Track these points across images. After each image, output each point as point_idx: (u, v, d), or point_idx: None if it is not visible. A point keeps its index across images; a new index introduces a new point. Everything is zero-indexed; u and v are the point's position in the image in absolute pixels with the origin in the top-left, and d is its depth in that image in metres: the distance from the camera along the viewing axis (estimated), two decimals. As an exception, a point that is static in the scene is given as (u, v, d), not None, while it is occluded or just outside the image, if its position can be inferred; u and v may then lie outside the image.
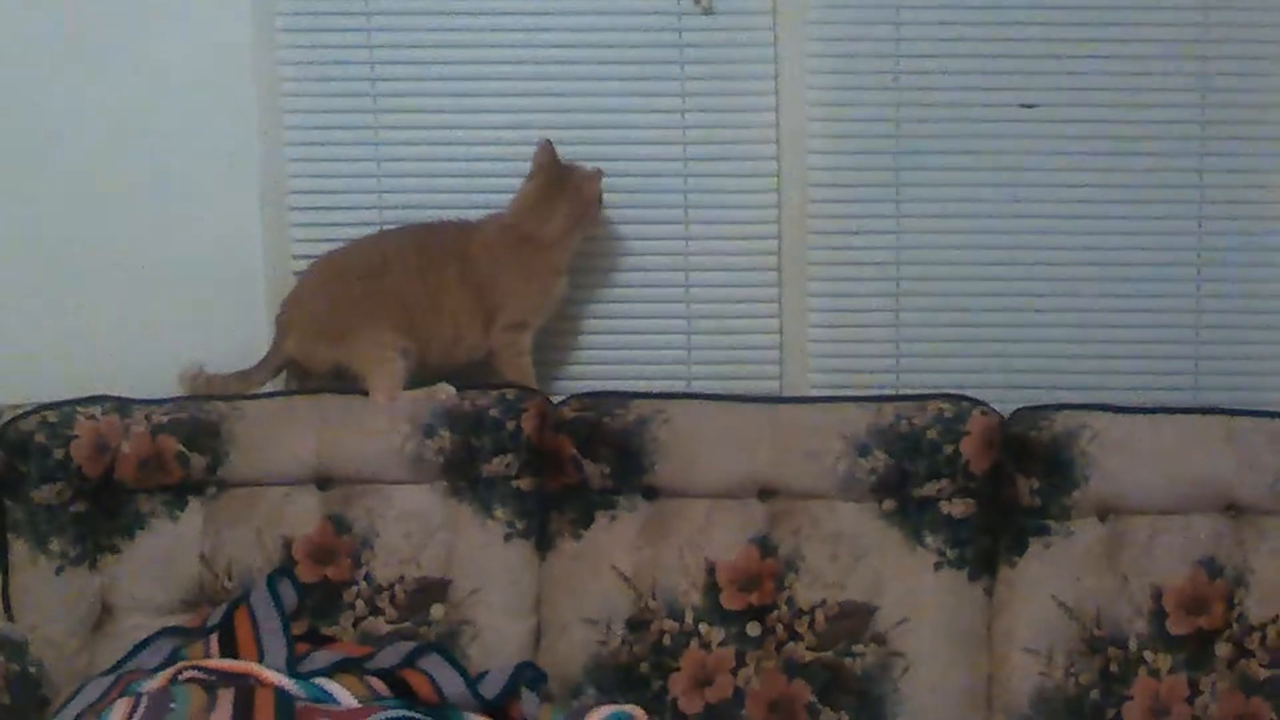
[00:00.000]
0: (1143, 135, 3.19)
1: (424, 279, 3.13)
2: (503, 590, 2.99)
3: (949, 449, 2.94)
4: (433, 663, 2.77)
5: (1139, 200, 3.21)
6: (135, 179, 3.26)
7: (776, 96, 3.22)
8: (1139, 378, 3.23)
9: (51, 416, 3.01)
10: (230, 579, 3.00)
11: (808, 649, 2.91)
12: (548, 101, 3.25)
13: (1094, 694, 2.84)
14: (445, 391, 3.06)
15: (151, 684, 2.64)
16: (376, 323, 3.10)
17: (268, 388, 3.18)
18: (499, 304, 3.16)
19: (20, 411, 3.02)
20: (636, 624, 2.95)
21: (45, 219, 3.26)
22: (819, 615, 2.92)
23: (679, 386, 3.28)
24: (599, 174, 3.16)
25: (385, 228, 3.26)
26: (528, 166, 3.17)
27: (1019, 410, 3.00)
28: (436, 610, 2.98)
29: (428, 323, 3.12)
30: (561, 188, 3.15)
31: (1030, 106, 3.19)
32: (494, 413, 3.03)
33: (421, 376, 3.09)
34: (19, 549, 2.98)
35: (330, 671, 2.72)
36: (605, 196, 3.21)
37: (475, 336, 3.16)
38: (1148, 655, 2.83)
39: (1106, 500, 2.89)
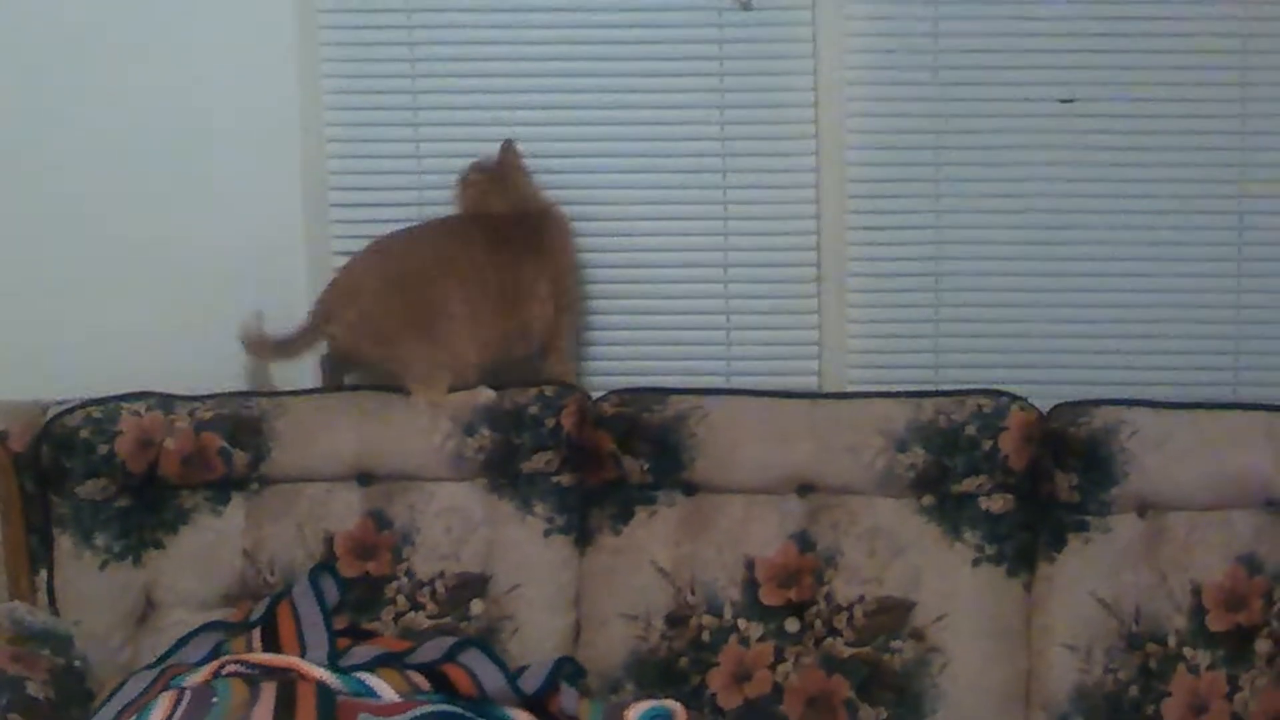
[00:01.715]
0: (1182, 130, 3.18)
1: (500, 278, 3.12)
2: (542, 585, 3.00)
3: (988, 445, 2.94)
4: (473, 657, 2.78)
5: (1179, 195, 3.20)
6: (176, 173, 3.27)
7: (815, 93, 3.22)
8: (1178, 374, 3.22)
9: (96, 412, 3.03)
10: (273, 574, 3.02)
11: (846, 644, 2.91)
12: (587, 98, 3.26)
13: (1133, 690, 2.84)
14: (485, 395, 3.06)
15: (195, 678, 2.66)
16: (433, 338, 3.07)
17: (307, 383, 3.21)
18: (568, 288, 3.20)
19: (65, 407, 3.04)
20: (675, 619, 2.96)
21: (86, 214, 3.28)
22: (857, 611, 2.92)
23: (718, 382, 3.27)
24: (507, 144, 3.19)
25: (447, 216, 3.22)
26: (569, 162, 3.25)
27: (1058, 406, 3.00)
28: (477, 605, 3.00)
29: (495, 325, 3.11)
30: (504, 174, 3.17)
31: (1069, 101, 3.18)
32: (533, 410, 3.04)
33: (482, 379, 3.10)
34: (64, 544, 3.00)
35: (371, 666, 2.73)
36: (645, 191, 3.30)
37: (548, 329, 3.17)
38: (1187, 652, 2.83)
39: (1146, 496, 2.89)
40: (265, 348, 3.16)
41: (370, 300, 3.11)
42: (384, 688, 2.66)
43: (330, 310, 3.14)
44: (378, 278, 3.14)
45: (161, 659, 2.85)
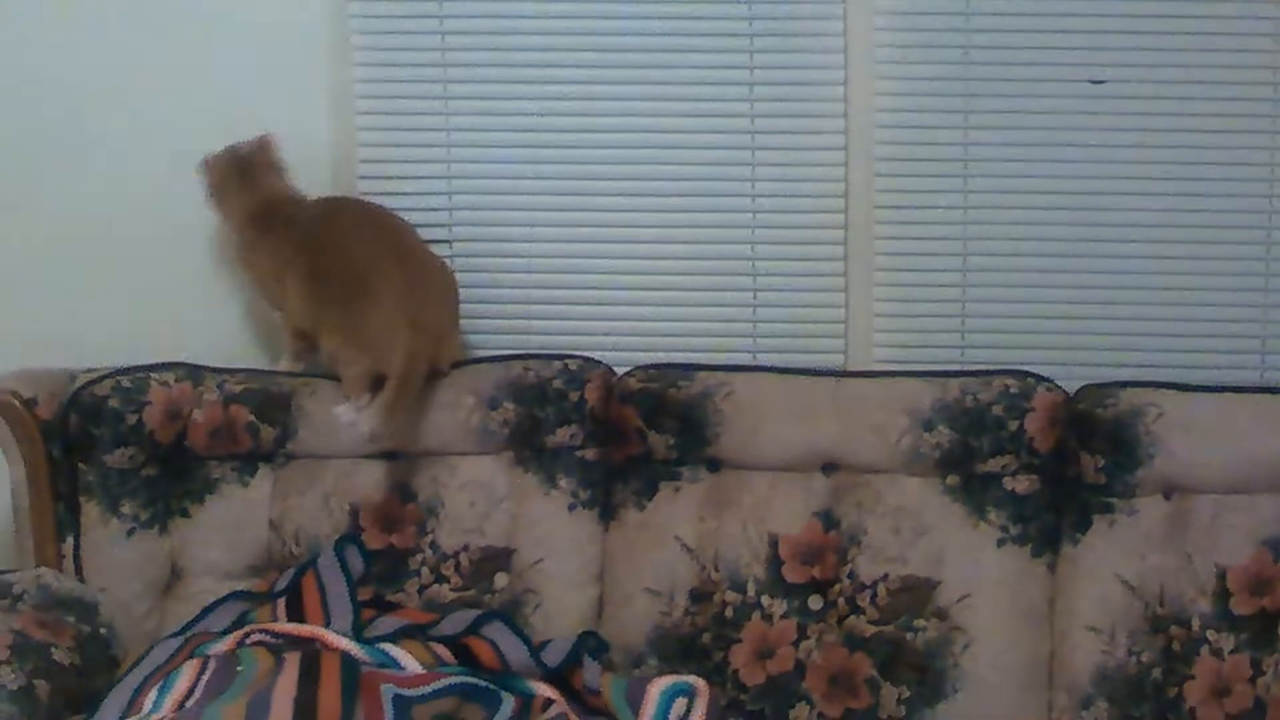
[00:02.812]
0: (1212, 112, 3.16)
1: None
2: (566, 560, 3.01)
3: (1013, 425, 2.93)
4: (496, 630, 2.79)
5: (1208, 178, 3.18)
6: (209, 150, 3.27)
7: (845, 71, 3.21)
8: (1205, 356, 3.21)
9: (125, 382, 3.04)
10: (298, 545, 3.03)
11: (869, 623, 2.92)
12: (616, 74, 3.24)
13: (1156, 673, 2.83)
14: None
15: (219, 646, 2.68)
16: (455, 309, 3.16)
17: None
18: None
19: (95, 376, 3.06)
20: (699, 595, 2.96)
21: (122, 188, 3.29)
22: (881, 589, 2.92)
23: (744, 359, 3.28)
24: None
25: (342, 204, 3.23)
26: (598, 137, 3.25)
27: (1084, 387, 3.00)
28: (500, 579, 3.00)
29: None
30: (241, 168, 3.16)
31: (1099, 83, 3.17)
32: (557, 384, 3.04)
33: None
34: (91, 511, 3.02)
35: (395, 637, 2.75)
36: (674, 167, 3.28)
37: None
38: (1210, 635, 2.82)
39: (1171, 479, 2.88)
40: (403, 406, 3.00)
41: (444, 321, 3.11)
42: (408, 659, 2.67)
43: (420, 351, 2.99)
44: (424, 293, 3.07)
45: (186, 627, 2.86)
